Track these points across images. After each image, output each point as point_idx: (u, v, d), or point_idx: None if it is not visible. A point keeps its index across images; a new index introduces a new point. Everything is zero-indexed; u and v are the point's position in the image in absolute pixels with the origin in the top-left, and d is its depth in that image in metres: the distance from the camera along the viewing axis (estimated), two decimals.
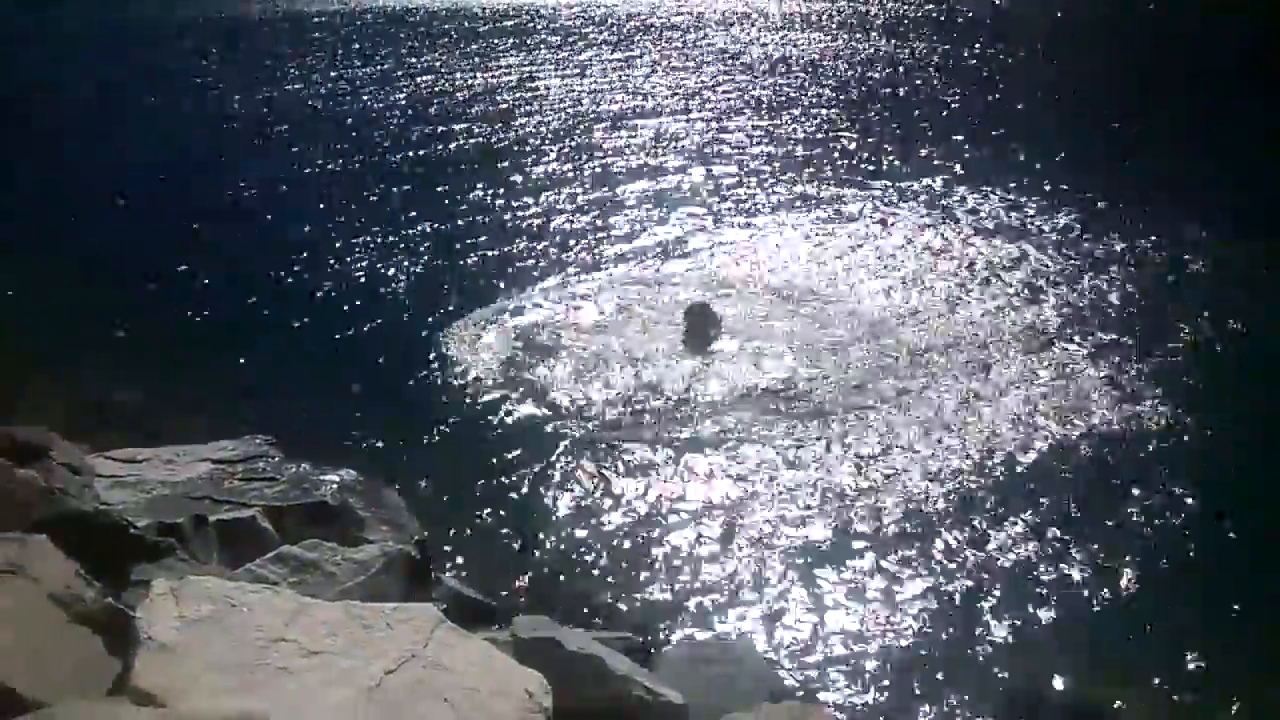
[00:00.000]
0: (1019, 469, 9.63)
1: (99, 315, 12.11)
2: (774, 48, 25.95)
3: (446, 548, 8.51)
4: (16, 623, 4.18)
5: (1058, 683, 7.33)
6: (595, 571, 8.43)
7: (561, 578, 8.37)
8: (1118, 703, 7.15)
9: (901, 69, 23.67)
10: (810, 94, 21.94)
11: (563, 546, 8.72)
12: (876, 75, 22.98)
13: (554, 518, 9.07)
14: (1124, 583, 8.24)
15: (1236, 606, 7.86)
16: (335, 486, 7.69)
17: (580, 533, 8.88)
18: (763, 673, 7.09)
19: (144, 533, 6.15)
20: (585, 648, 5.90)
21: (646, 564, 8.52)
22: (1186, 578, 8.27)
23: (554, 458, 9.84)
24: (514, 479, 9.57)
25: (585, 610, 7.99)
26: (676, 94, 21.80)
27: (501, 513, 9.13)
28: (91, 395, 10.28)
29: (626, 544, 8.74)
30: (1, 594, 4.27)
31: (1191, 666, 7.35)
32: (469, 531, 8.86)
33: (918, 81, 22.44)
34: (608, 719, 5.61)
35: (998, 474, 9.58)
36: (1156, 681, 7.24)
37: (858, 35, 26.83)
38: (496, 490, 9.43)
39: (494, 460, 9.85)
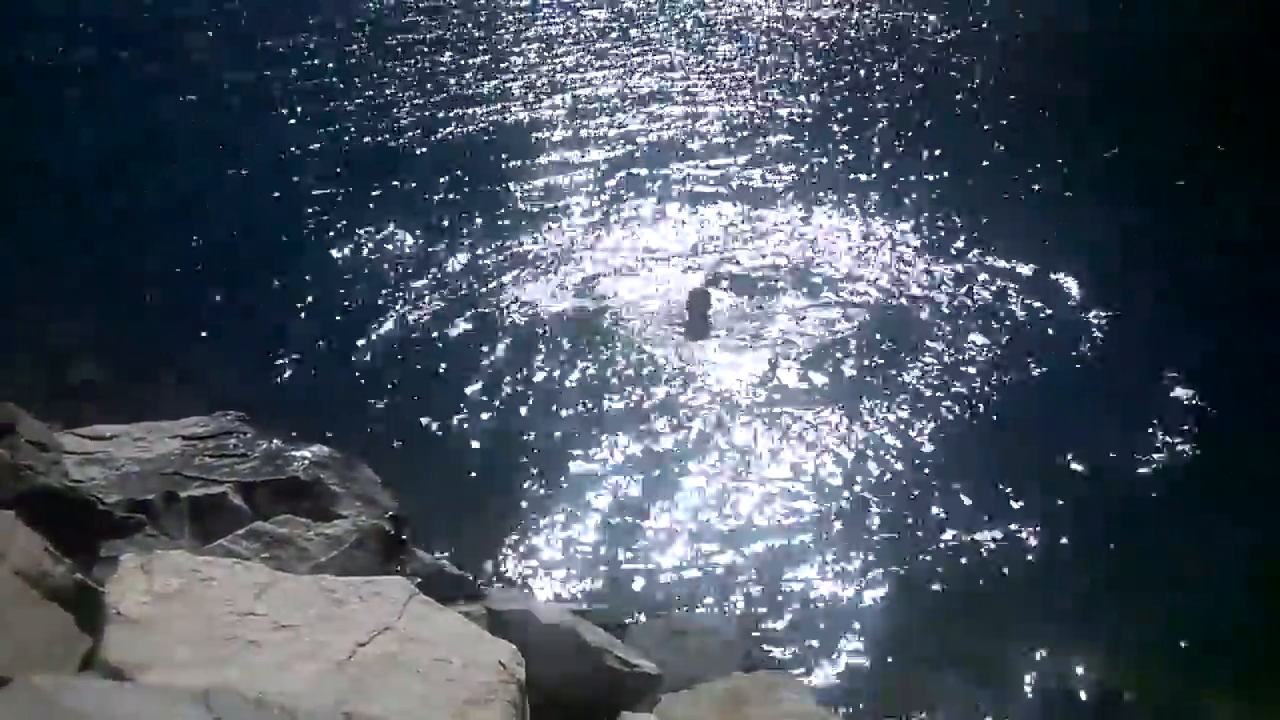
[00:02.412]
0: (1001, 451, 9.72)
1: (68, 291, 11.94)
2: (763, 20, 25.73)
3: (420, 522, 8.50)
4: None
5: (1028, 651, 7.44)
6: (570, 545, 8.47)
7: (536, 551, 8.40)
8: (1083, 675, 7.29)
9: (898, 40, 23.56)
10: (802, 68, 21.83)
11: (537, 520, 8.74)
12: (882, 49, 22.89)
13: (529, 492, 9.09)
14: (1088, 555, 8.39)
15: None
16: (307, 462, 7.64)
17: (554, 507, 8.90)
18: (736, 643, 7.16)
19: (114, 509, 6.09)
20: (559, 620, 5.92)
21: (621, 538, 8.57)
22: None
23: (531, 433, 9.85)
24: (489, 453, 9.58)
25: (560, 583, 8.04)
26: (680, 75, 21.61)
27: (476, 487, 9.14)
28: (60, 372, 10.18)
29: (601, 518, 8.77)
30: None
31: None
32: (443, 506, 8.87)
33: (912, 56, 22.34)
34: (582, 690, 5.64)
35: (972, 450, 9.67)
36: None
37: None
38: (471, 465, 9.43)
39: (468, 435, 9.85)
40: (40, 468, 6.10)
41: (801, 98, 19.94)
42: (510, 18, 26.20)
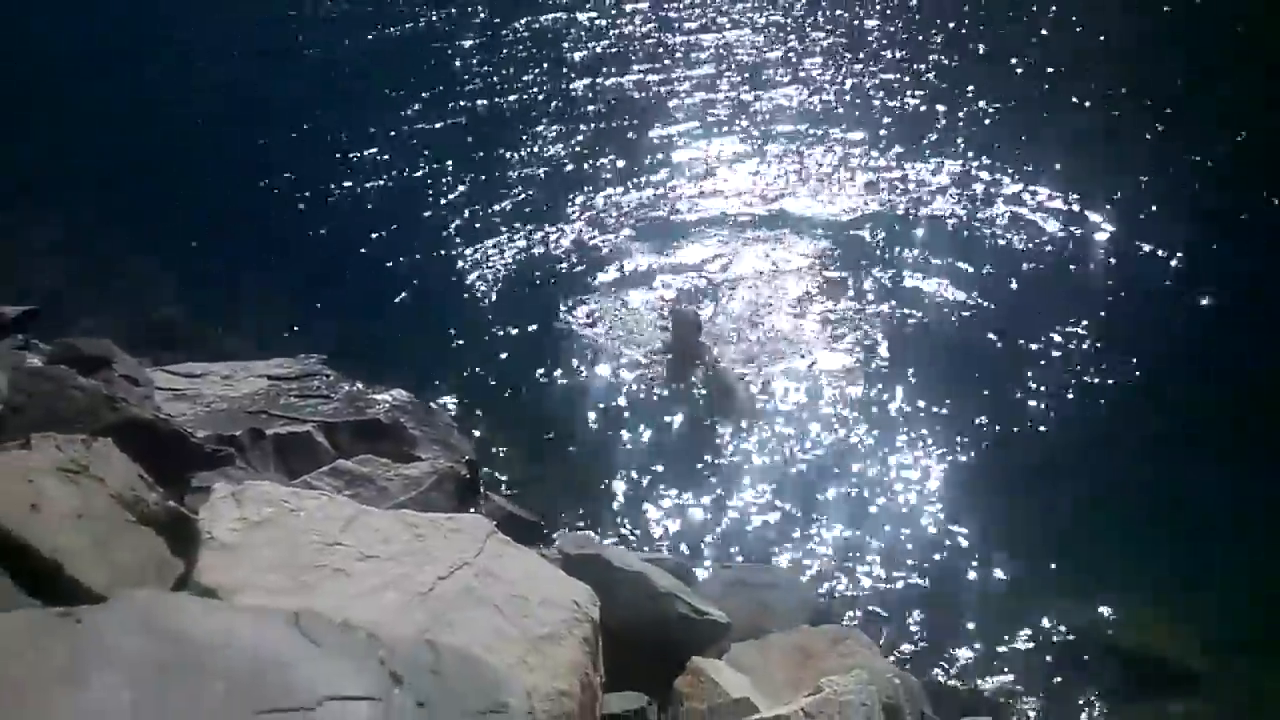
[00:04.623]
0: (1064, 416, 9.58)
1: (160, 233, 12.23)
2: None
3: (494, 468, 8.67)
4: (83, 520, 4.31)
5: (1107, 619, 7.37)
6: (639, 495, 8.56)
7: (606, 500, 8.51)
8: (1169, 645, 7.20)
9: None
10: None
11: (607, 471, 8.84)
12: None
13: (600, 442, 9.19)
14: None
15: None
16: (388, 405, 7.84)
17: (625, 457, 8.99)
18: (802, 597, 7.20)
19: (203, 443, 6.30)
20: (630, 565, 6.00)
21: (690, 488, 8.63)
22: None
23: (602, 384, 9.92)
24: (562, 404, 9.69)
25: (629, 531, 8.14)
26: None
27: (548, 436, 9.27)
28: (151, 311, 10.48)
29: (671, 468, 8.85)
30: (68, 492, 4.39)
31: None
32: (516, 454, 9.02)
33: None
34: (651, 634, 5.72)
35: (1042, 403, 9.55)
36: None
37: None
38: (544, 414, 9.54)
39: (543, 385, 9.95)
40: (133, 401, 6.32)
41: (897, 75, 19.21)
42: None
